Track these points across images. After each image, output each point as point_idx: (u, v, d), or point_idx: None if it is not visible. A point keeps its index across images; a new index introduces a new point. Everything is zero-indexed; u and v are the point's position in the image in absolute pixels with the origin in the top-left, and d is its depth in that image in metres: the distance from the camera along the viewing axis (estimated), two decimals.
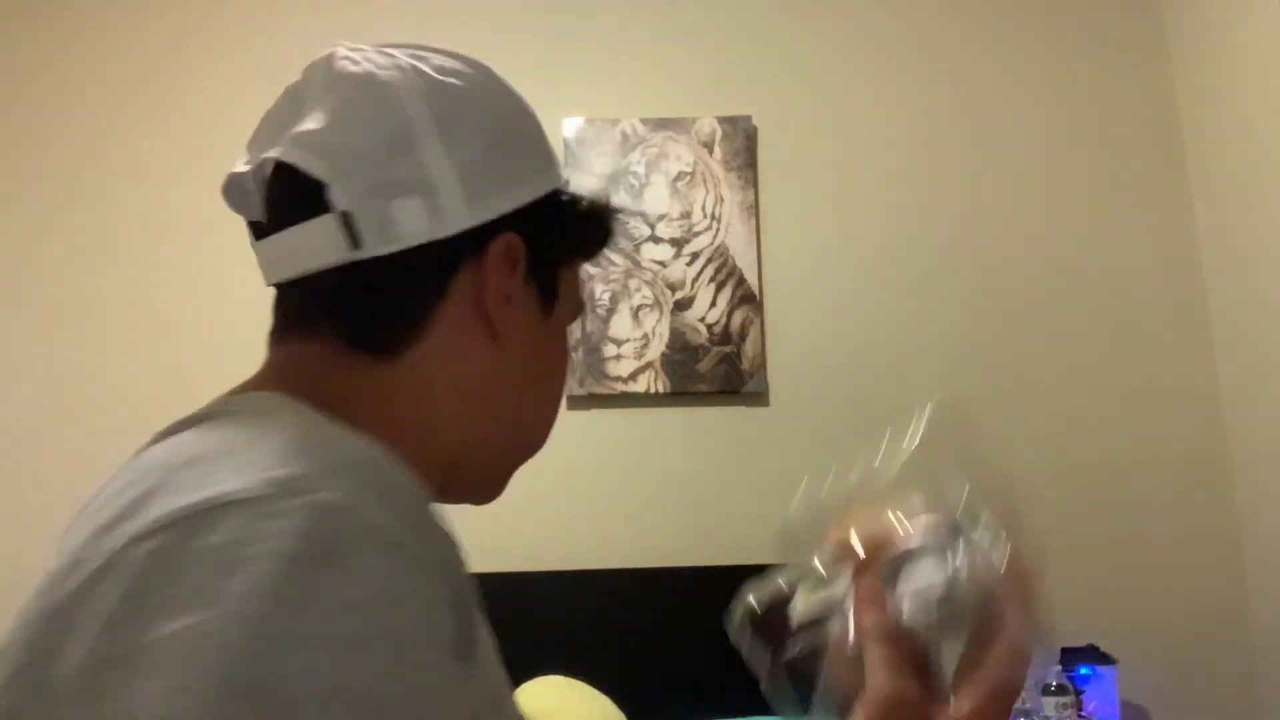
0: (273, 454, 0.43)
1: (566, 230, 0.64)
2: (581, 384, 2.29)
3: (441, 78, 0.59)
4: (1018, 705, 1.89)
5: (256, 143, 0.62)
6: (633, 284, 2.35)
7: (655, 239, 2.37)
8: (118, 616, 0.38)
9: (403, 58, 0.61)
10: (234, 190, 0.62)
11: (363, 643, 0.38)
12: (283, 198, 0.59)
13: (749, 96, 2.48)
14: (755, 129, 2.45)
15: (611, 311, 2.33)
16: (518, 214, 0.60)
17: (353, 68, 0.59)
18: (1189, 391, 2.31)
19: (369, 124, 0.57)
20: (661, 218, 2.38)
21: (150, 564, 0.39)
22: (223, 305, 2.38)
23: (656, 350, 2.31)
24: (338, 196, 0.55)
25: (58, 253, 2.41)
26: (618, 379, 2.30)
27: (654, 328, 2.33)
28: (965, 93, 2.48)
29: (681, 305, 2.34)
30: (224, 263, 2.40)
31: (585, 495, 2.24)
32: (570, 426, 2.28)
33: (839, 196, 2.42)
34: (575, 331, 2.32)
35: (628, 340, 2.32)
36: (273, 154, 0.58)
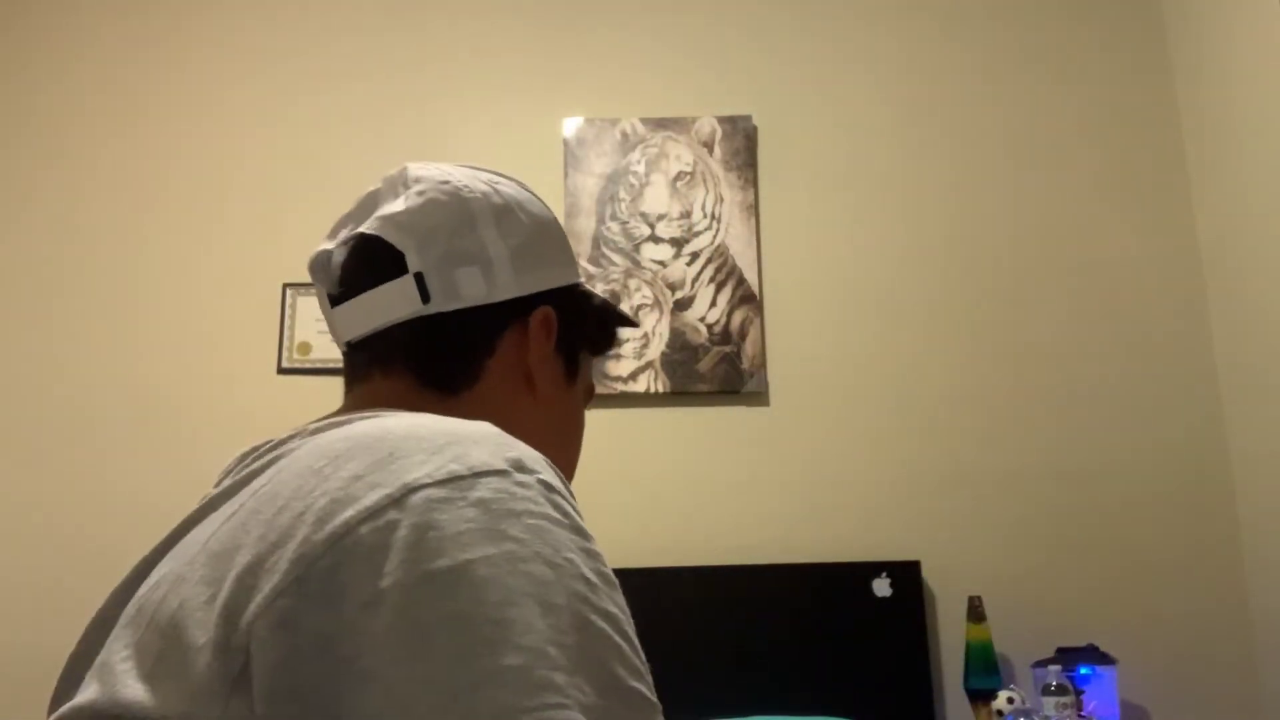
0: (491, 440, 0.54)
1: (585, 318, 0.80)
2: None
3: (495, 185, 0.76)
4: (1018, 705, 1.89)
5: (338, 231, 0.76)
6: (633, 284, 2.35)
7: (655, 239, 2.37)
8: (421, 544, 0.46)
9: (465, 169, 0.78)
10: (319, 267, 0.75)
11: (607, 582, 0.51)
12: (364, 266, 0.72)
13: (749, 96, 2.48)
14: (755, 129, 2.45)
15: None
16: (552, 294, 0.76)
17: (426, 172, 0.75)
18: (1189, 391, 2.31)
19: (441, 208, 0.72)
20: (661, 218, 2.38)
21: (436, 506, 0.48)
22: (218, 303, 2.38)
23: (656, 350, 2.31)
24: (413, 261, 0.70)
25: (58, 251, 2.41)
26: (618, 379, 2.30)
27: (654, 328, 2.33)
28: (965, 93, 2.48)
29: (681, 305, 2.34)
30: (227, 260, 2.40)
31: (584, 495, 2.23)
32: None
33: (839, 196, 2.42)
34: None
35: (628, 340, 2.32)
36: (363, 229, 0.72)
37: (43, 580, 2.23)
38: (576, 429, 0.81)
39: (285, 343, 2.34)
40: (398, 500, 0.48)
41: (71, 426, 2.31)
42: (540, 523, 0.49)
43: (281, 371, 2.33)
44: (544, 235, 0.76)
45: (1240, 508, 2.24)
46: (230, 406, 2.31)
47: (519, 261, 0.73)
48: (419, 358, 0.70)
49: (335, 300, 0.74)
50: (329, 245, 0.75)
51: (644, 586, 2.11)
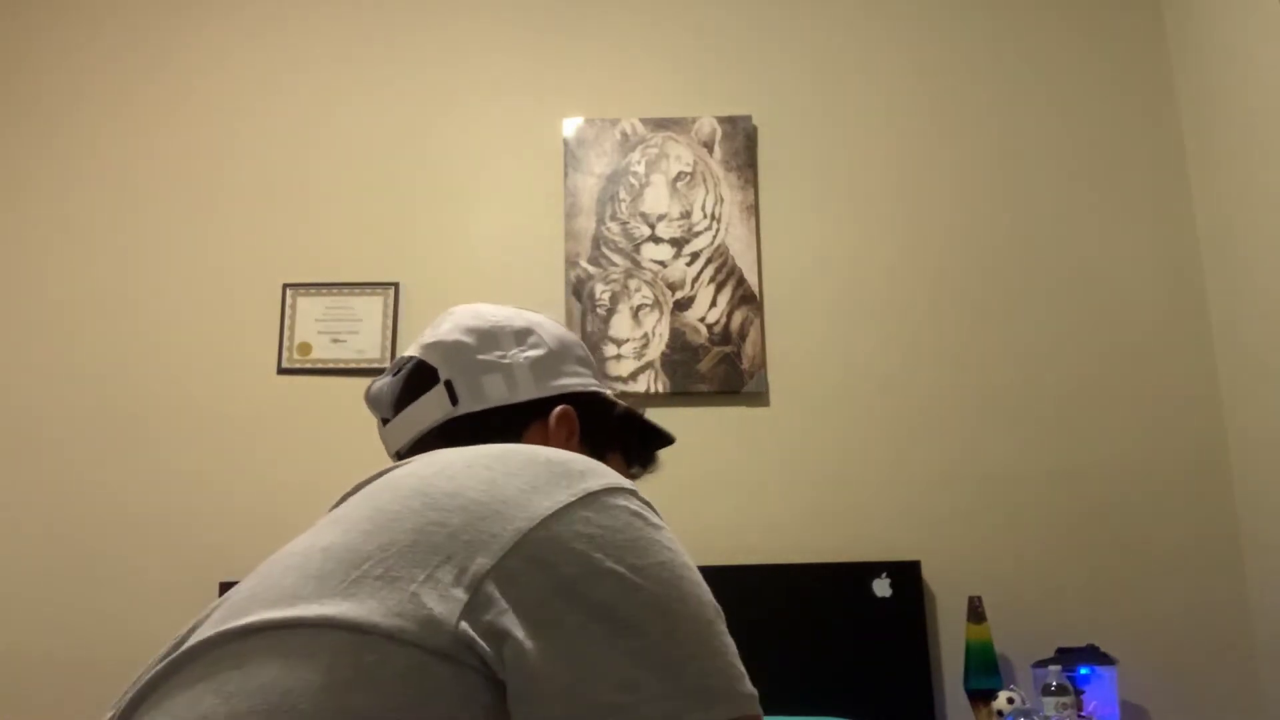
0: (605, 466, 0.66)
1: (608, 422, 0.92)
2: None
3: (520, 312, 0.92)
4: (1018, 705, 1.89)
5: (393, 364, 0.92)
6: (633, 284, 2.35)
7: (655, 239, 2.37)
8: (615, 541, 0.58)
9: (497, 305, 0.93)
10: (377, 397, 0.90)
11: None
12: (409, 386, 0.88)
13: (749, 96, 2.48)
14: (755, 129, 2.45)
15: (611, 311, 2.33)
16: (572, 397, 0.89)
17: (461, 307, 0.92)
18: (1189, 392, 2.31)
19: (469, 331, 0.88)
20: (661, 218, 2.38)
21: (611, 511, 0.60)
22: (218, 303, 2.38)
23: (656, 350, 2.31)
24: (443, 372, 0.86)
25: (57, 250, 2.41)
26: (618, 379, 2.30)
27: (654, 328, 2.33)
28: (965, 93, 2.48)
29: (681, 305, 2.34)
30: (227, 260, 2.40)
31: None
32: None
33: (839, 196, 2.42)
34: (575, 332, 2.32)
35: (628, 340, 2.32)
36: (409, 352, 0.90)
37: (41, 581, 2.23)
38: None
39: (285, 343, 2.34)
40: (581, 499, 0.60)
41: (71, 426, 2.31)
42: (671, 538, 0.62)
43: (281, 371, 2.33)
44: (563, 350, 0.91)
45: (1240, 508, 2.24)
46: (230, 406, 2.31)
47: (539, 370, 0.88)
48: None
49: (386, 421, 0.89)
50: (383, 379, 0.91)
51: None
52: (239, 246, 2.40)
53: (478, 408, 0.85)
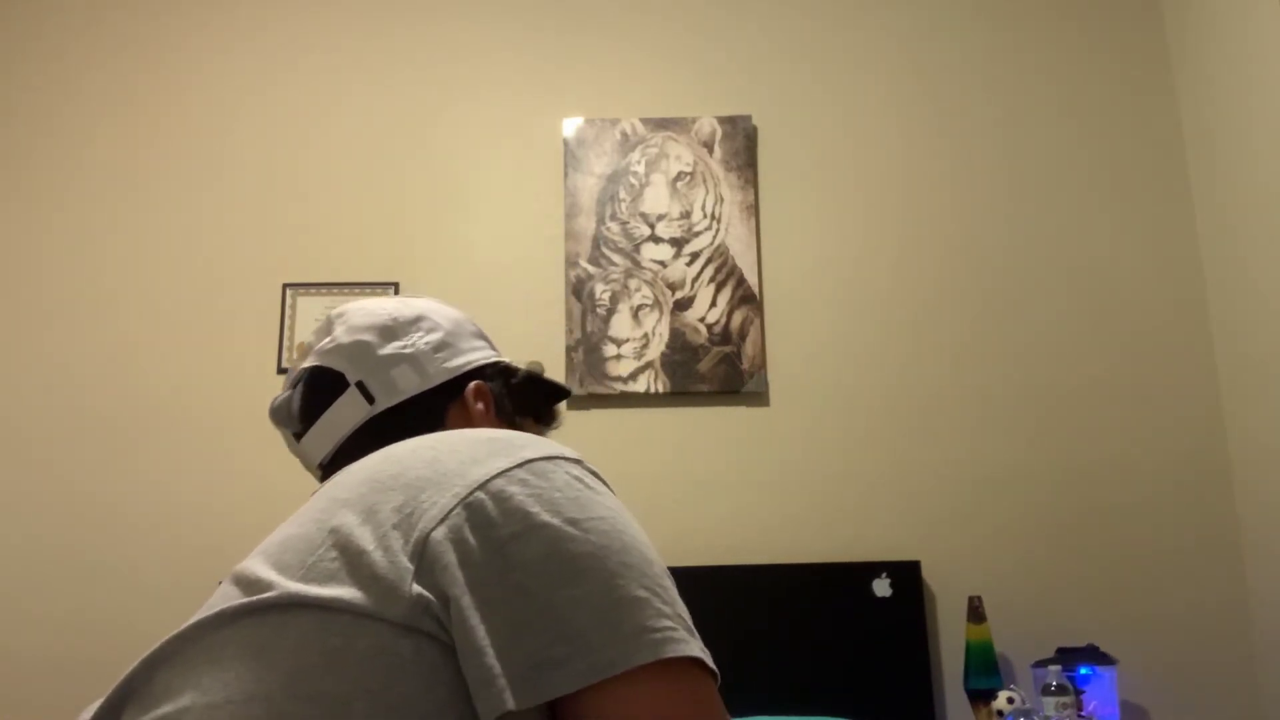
0: (554, 441, 0.69)
1: (513, 389, 0.93)
2: (581, 384, 2.29)
3: (405, 302, 0.93)
4: (1018, 705, 1.89)
5: (291, 378, 0.92)
6: (633, 284, 2.35)
7: (655, 239, 2.37)
8: (554, 500, 0.61)
9: (377, 298, 0.94)
10: (281, 412, 0.90)
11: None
12: (316, 395, 0.88)
13: (749, 96, 2.48)
14: (755, 129, 2.45)
15: (611, 311, 2.33)
16: (480, 372, 0.91)
17: (345, 307, 0.93)
18: (1189, 392, 2.31)
19: (367, 329, 0.89)
20: (661, 218, 2.38)
21: (550, 472, 0.63)
22: (218, 303, 2.38)
23: (656, 350, 2.31)
24: (352, 375, 0.87)
25: (57, 251, 2.41)
26: (618, 379, 2.30)
27: (654, 328, 2.33)
28: (964, 93, 2.48)
29: (681, 305, 2.34)
30: (227, 260, 2.40)
31: None
32: (570, 426, 2.29)
33: (839, 196, 2.42)
34: (575, 332, 2.32)
35: (628, 340, 2.32)
36: (307, 364, 0.90)
37: (41, 581, 2.23)
38: None
39: (285, 343, 2.34)
40: (521, 465, 0.63)
41: (71, 427, 2.31)
42: (616, 502, 0.64)
43: (281, 371, 2.33)
44: (457, 329, 0.92)
45: (1240, 508, 2.24)
46: (230, 406, 2.31)
47: (443, 351, 0.89)
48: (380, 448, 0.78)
49: (299, 435, 0.88)
50: (283, 393, 0.90)
51: None
52: (239, 246, 2.40)
53: (395, 401, 0.86)
